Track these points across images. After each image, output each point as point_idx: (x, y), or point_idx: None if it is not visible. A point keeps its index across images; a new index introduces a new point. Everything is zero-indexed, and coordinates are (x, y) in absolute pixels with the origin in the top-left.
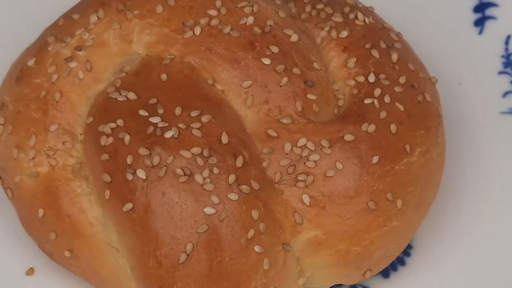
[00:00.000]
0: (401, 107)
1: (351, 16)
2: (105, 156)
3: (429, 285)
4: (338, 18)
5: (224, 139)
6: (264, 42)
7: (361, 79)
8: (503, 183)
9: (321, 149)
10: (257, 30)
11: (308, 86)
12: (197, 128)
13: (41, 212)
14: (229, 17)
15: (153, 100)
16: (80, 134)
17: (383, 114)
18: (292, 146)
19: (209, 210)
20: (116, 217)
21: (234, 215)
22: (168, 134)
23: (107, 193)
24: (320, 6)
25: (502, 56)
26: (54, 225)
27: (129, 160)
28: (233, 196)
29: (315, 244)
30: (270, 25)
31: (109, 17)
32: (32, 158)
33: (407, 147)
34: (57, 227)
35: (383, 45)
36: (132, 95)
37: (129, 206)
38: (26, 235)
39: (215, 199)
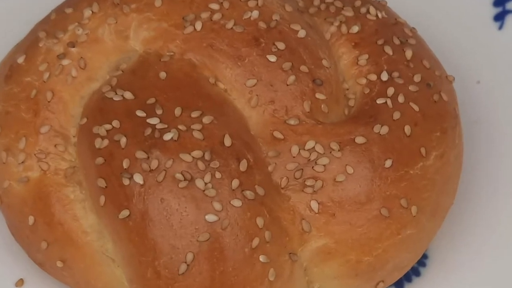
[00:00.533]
0: (416, 107)
1: (363, 10)
2: (99, 160)
3: None
4: (348, 12)
5: (227, 141)
6: (269, 38)
7: (373, 77)
8: None
9: (331, 152)
10: (262, 25)
11: (316, 85)
12: (198, 130)
13: (31, 219)
14: (232, 11)
15: (151, 100)
16: (73, 136)
17: (396, 115)
18: (299, 149)
19: (211, 218)
20: (111, 225)
21: (237, 223)
22: (167, 136)
23: (102, 199)
24: None
25: None
26: (46, 234)
27: (125, 164)
28: (237, 203)
29: (324, 254)
30: (276, 19)
31: (104, 11)
32: (22, 162)
33: (422, 150)
34: (48, 236)
35: (396, 41)
36: (128, 95)
37: (125, 213)
38: (16, 244)
39: (217, 205)
